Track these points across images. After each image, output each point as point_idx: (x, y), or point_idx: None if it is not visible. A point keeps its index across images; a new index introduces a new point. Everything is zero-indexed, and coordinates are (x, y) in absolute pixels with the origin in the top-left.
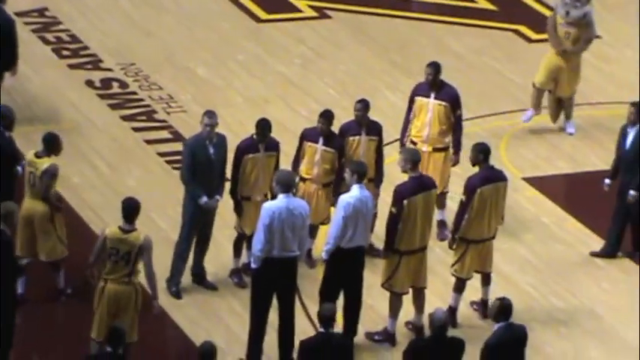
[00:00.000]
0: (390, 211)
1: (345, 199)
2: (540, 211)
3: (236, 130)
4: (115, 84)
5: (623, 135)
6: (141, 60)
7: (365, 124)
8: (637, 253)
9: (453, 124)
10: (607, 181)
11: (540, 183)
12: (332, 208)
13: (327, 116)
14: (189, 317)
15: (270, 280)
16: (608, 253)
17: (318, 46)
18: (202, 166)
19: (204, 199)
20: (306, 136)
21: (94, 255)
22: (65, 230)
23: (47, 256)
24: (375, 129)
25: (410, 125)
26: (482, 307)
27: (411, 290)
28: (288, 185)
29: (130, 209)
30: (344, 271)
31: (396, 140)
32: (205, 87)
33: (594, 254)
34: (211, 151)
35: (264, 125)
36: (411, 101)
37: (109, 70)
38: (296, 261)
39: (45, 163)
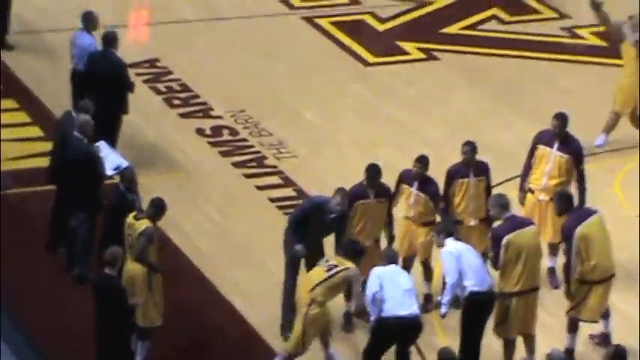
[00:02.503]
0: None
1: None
2: None
3: (345, 175)
4: (226, 131)
5: None
6: (250, 106)
7: (473, 165)
8: None
9: (577, 176)
10: None
11: None
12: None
13: (422, 161)
14: None
15: (389, 339)
16: None
17: (427, 88)
18: (313, 227)
19: (299, 246)
20: (404, 177)
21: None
22: (163, 297)
23: (142, 320)
24: (482, 169)
25: (530, 172)
26: (603, 340)
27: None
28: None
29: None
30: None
31: (507, 180)
32: (315, 131)
33: None
34: (328, 219)
35: (373, 171)
36: (533, 148)
37: (219, 117)
38: (418, 321)
39: (142, 225)
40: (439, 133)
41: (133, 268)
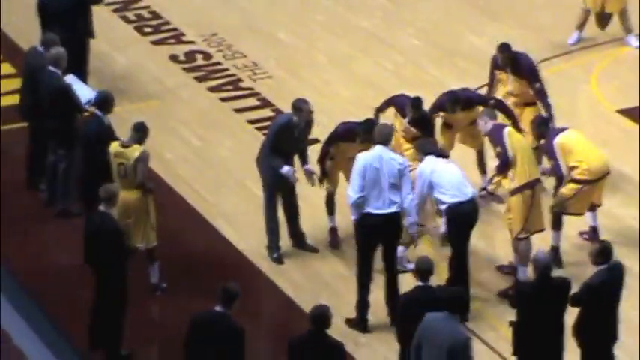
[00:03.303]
0: None
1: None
2: (636, 142)
3: (323, 91)
4: (199, 56)
5: None
6: (222, 30)
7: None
8: None
9: (536, 95)
10: None
11: (634, 113)
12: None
13: (417, 106)
14: (293, 282)
15: (371, 236)
16: None
17: None
18: (286, 145)
19: (285, 168)
20: (397, 104)
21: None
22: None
23: (143, 242)
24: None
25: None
26: (592, 233)
27: None
28: (385, 139)
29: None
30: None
31: (483, 86)
32: (288, 50)
33: None
34: (296, 133)
35: (369, 127)
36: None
37: (192, 42)
38: (397, 216)
39: (136, 151)
40: (414, 41)
41: (128, 195)
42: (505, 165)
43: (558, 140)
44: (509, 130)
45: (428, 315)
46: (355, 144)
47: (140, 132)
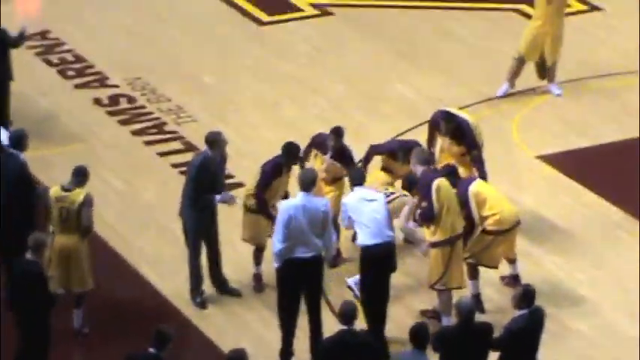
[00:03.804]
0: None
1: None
2: (557, 188)
3: (248, 135)
4: (123, 99)
5: None
6: (147, 73)
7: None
8: None
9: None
10: None
11: (554, 160)
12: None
13: (338, 133)
14: (216, 326)
15: (294, 280)
16: None
17: (323, 44)
18: (208, 182)
19: (218, 197)
20: (316, 143)
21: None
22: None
23: (80, 286)
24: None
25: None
26: (513, 280)
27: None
28: (308, 183)
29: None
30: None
31: (407, 130)
32: (213, 94)
33: None
34: (213, 168)
35: (291, 150)
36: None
37: (116, 86)
38: (320, 260)
39: (79, 195)
40: (339, 88)
41: (67, 239)
42: (428, 220)
43: (473, 189)
44: (438, 184)
45: (395, 356)
46: (284, 177)
47: (81, 175)
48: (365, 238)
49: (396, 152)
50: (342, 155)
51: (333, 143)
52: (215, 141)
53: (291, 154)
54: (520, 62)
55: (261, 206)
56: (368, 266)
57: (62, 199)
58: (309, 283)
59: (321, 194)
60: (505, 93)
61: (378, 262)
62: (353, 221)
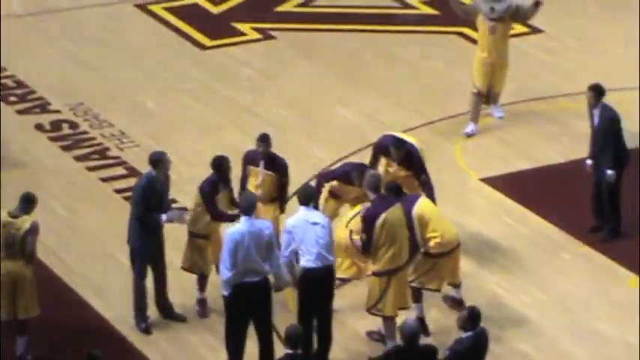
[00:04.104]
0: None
1: None
2: (501, 210)
3: (191, 160)
4: (65, 125)
5: (592, 117)
6: (89, 99)
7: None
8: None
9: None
10: (588, 162)
11: (498, 182)
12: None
13: (266, 140)
14: (161, 352)
15: (243, 305)
16: (613, 231)
17: (266, 67)
18: (154, 203)
19: (164, 216)
20: (248, 159)
21: None
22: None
23: (25, 313)
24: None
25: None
26: (458, 305)
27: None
28: (249, 208)
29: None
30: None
31: (351, 154)
32: (156, 119)
33: (605, 239)
34: (158, 187)
35: (220, 165)
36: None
37: (58, 111)
38: (268, 284)
39: (26, 222)
40: (282, 112)
41: (12, 265)
42: (365, 252)
43: (416, 211)
44: (384, 219)
45: None
46: (221, 193)
47: (28, 202)
48: (306, 261)
49: (350, 174)
50: (274, 163)
51: (262, 149)
52: (159, 160)
53: (222, 168)
54: (479, 96)
55: (224, 218)
56: (307, 289)
57: (9, 225)
58: (259, 308)
59: (259, 215)
60: (473, 132)
61: (317, 286)
62: (292, 251)
